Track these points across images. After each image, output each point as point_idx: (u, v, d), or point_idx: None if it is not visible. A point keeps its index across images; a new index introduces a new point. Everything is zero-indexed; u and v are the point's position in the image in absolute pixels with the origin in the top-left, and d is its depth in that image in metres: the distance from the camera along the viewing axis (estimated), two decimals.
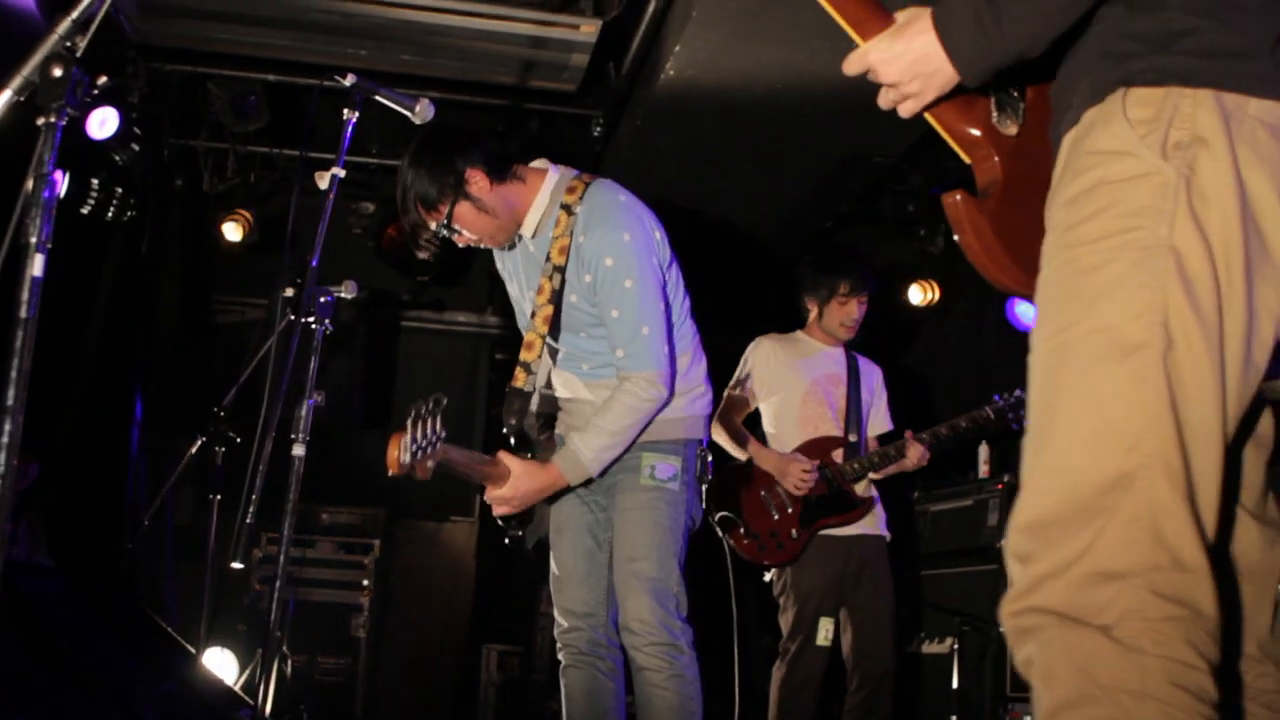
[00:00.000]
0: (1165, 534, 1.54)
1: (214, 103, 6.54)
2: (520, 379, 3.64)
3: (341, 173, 3.53)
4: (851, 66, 1.92)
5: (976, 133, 1.95)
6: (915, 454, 4.93)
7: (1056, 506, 1.60)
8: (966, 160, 1.99)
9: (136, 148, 6.28)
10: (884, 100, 1.93)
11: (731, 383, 5.18)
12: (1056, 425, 1.63)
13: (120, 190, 6.47)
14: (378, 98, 3.61)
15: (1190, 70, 1.65)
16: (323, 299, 3.60)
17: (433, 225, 3.55)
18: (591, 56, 5.96)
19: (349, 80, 3.60)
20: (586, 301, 3.59)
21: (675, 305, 3.71)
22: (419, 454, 3.09)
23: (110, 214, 6.49)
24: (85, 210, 6.40)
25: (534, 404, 3.74)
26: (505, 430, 3.67)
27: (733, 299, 7.27)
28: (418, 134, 3.65)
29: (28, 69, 2.07)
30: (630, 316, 3.50)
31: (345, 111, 3.58)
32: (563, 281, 3.58)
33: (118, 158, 6.28)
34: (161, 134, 6.81)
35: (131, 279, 7.03)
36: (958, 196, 1.88)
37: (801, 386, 5.09)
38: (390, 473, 3.13)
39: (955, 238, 1.93)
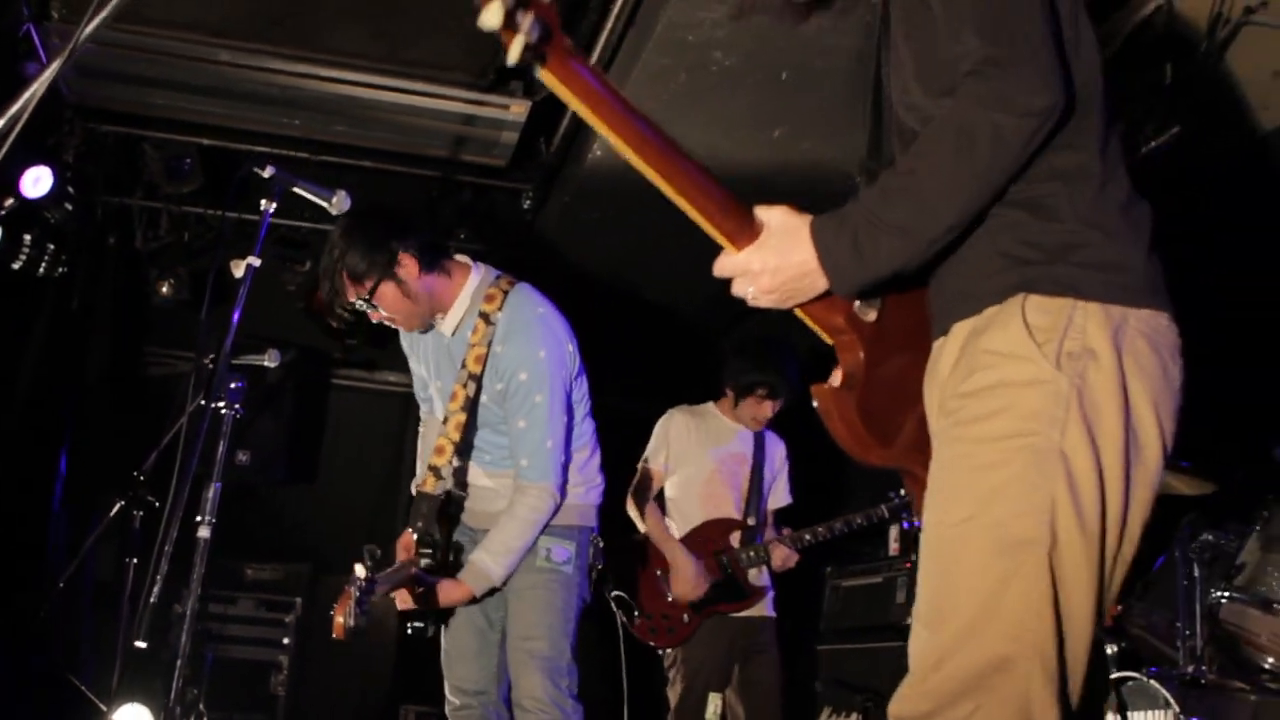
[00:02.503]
0: (1033, 718, 1.71)
1: (149, 164, 6.61)
2: (429, 484, 3.74)
3: (257, 262, 3.63)
4: (726, 271, 1.97)
5: (839, 321, 2.02)
6: (779, 556, 5.08)
7: (944, 681, 1.76)
8: (830, 343, 2.07)
9: (70, 206, 6.33)
10: (740, 291, 1.98)
11: (646, 455, 5.31)
12: (952, 608, 1.79)
13: (52, 247, 6.50)
14: (296, 189, 3.70)
15: (1082, 282, 1.81)
16: (234, 384, 3.67)
17: (352, 297, 3.63)
18: (522, 133, 6.10)
19: (268, 172, 3.69)
20: (495, 404, 3.72)
21: (579, 410, 3.86)
22: (361, 616, 3.21)
23: (42, 270, 6.52)
24: (16, 266, 6.43)
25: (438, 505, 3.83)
26: (412, 532, 3.74)
27: (657, 368, 7.39)
28: (355, 207, 3.74)
29: None
30: (537, 429, 3.66)
31: (263, 202, 3.66)
32: (478, 389, 3.71)
33: (51, 216, 6.33)
34: (96, 192, 6.86)
35: (62, 334, 7.05)
36: (826, 387, 2.00)
37: (708, 466, 5.22)
38: (335, 636, 3.24)
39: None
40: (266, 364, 4.76)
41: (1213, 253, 6.40)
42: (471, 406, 3.71)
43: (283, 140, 6.28)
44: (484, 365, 3.67)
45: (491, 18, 1.71)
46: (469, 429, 3.76)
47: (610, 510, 4.10)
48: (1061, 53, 1.80)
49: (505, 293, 3.74)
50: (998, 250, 1.88)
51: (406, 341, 4.03)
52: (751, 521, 5.18)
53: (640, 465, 5.26)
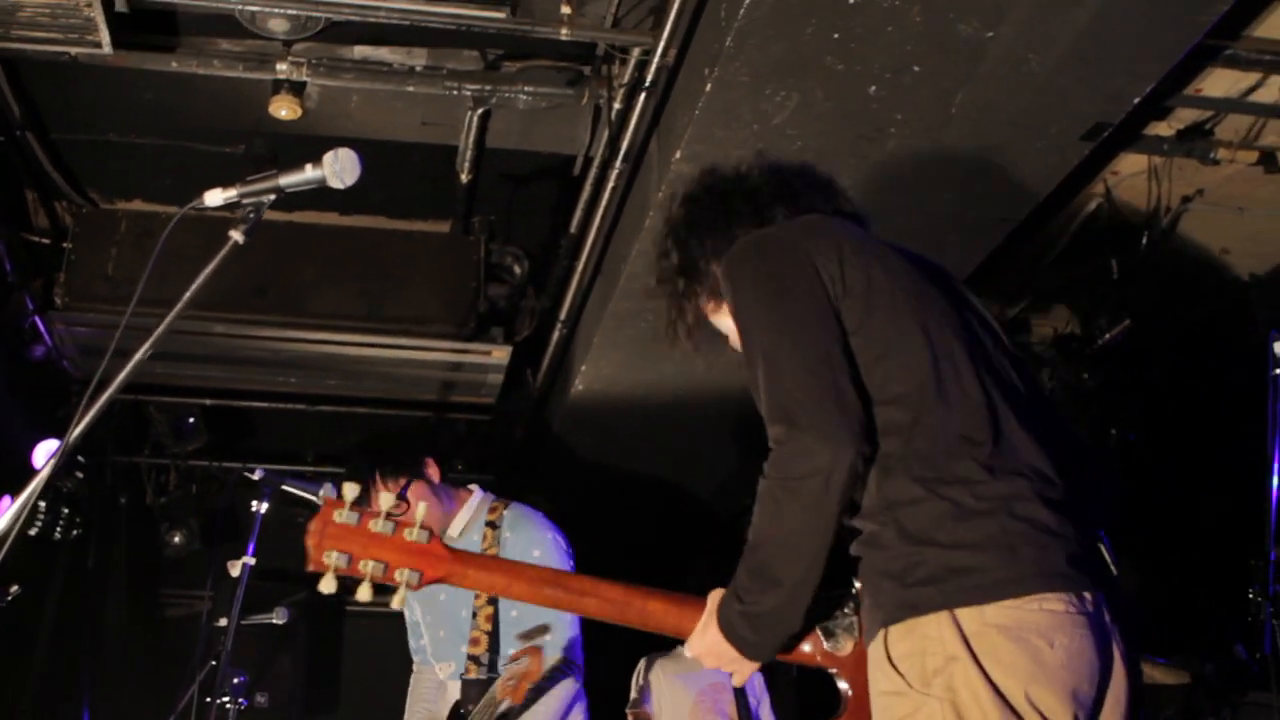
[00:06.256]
0: None
1: (155, 425, 6.90)
2: (472, 671, 3.89)
3: (252, 561, 3.84)
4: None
5: (817, 659, 2.25)
6: None
7: None
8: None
9: (81, 474, 6.59)
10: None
11: (630, 703, 5.44)
12: None
13: (66, 510, 6.74)
14: (285, 487, 3.94)
15: (925, 600, 1.96)
16: (236, 679, 3.86)
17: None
18: (508, 368, 6.37)
19: (258, 474, 3.93)
20: None
21: None
22: None
23: (57, 534, 6.75)
24: (33, 533, 6.65)
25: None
26: (462, 712, 3.87)
27: (656, 575, 7.55)
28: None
29: None
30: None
31: (254, 503, 3.89)
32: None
33: (63, 485, 6.57)
34: (105, 454, 7.14)
35: (78, 591, 7.25)
36: None
37: (689, 699, 5.36)
38: None
39: None
40: (276, 621, 4.94)
41: (1177, 442, 6.60)
42: (495, 599, 3.91)
43: (280, 396, 6.56)
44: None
45: (327, 585, 2.11)
46: (496, 620, 3.94)
47: None
48: (853, 405, 2.00)
49: (506, 505, 4.03)
50: (869, 589, 2.08)
51: (409, 609, 4.20)
52: None
53: (627, 712, 5.40)
